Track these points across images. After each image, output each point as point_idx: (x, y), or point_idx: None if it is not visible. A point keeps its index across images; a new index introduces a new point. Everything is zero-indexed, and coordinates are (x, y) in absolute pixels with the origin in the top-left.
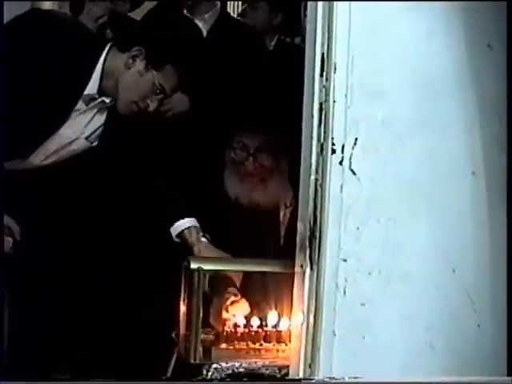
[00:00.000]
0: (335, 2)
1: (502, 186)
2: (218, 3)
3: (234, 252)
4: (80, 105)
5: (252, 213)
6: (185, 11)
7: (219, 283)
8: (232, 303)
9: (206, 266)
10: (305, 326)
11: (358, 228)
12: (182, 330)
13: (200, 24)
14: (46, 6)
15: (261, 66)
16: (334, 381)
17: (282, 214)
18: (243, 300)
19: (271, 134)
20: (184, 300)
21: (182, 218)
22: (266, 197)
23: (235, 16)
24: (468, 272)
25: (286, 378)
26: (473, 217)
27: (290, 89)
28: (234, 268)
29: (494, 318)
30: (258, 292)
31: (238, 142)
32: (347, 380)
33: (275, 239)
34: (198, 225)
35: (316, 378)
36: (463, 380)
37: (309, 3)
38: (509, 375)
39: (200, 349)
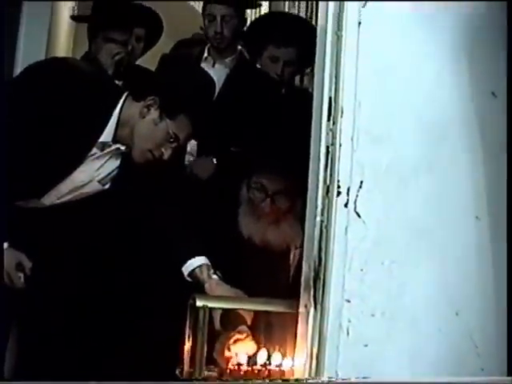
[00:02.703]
0: (343, 47)
1: (506, 229)
2: (239, 49)
3: (244, 290)
4: (94, 150)
5: (264, 252)
6: (205, 55)
7: (229, 321)
8: (235, 341)
9: (212, 304)
10: (308, 365)
11: (362, 269)
12: (186, 366)
13: (221, 67)
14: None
15: (276, 110)
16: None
17: (292, 254)
18: (249, 338)
19: (291, 177)
20: (189, 337)
21: (193, 257)
22: (279, 237)
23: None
24: (472, 315)
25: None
26: (477, 260)
27: (305, 132)
28: (239, 306)
29: (497, 361)
30: (265, 331)
31: (256, 183)
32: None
33: (285, 279)
34: (208, 263)
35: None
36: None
37: (317, 48)
38: (509, 375)
39: None
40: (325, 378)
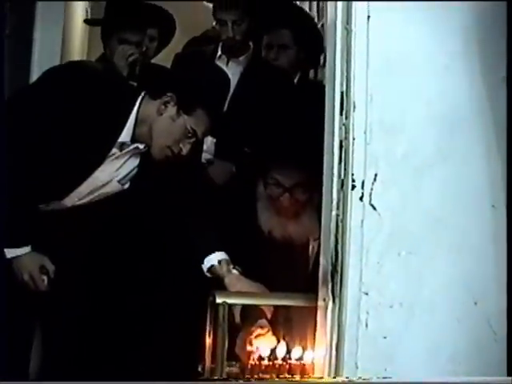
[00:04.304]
0: (353, 42)
1: None
2: (251, 46)
3: (264, 283)
4: (114, 150)
5: (284, 246)
6: (218, 53)
7: (250, 315)
8: (257, 336)
9: (231, 301)
10: (327, 358)
11: (378, 262)
12: (208, 362)
13: (235, 65)
14: (78, 33)
15: (290, 105)
16: (360, 380)
17: (310, 246)
18: (270, 333)
19: (306, 170)
20: (210, 333)
21: (212, 253)
22: (299, 230)
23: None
24: (490, 303)
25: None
26: (493, 249)
27: (320, 125)
28: (259, 302)
29: None
30: (284, 324)
31: (272, 179)
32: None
33: (305, 272)
34: (227, 258)
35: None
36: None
37: (327, 43)
38: (509, 375)
39: None
40: (344, 378)
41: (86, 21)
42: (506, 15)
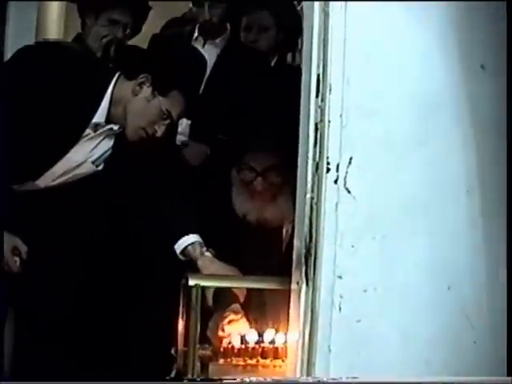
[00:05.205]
0: (330, 24)
1: (498, 202)
2: (228, 28)
3: (238, 267)
4: (88, 131)
5: (258, 229)
6: (195, 35)
7: (223, 299)
8: (230, 322)
9: (204, 283)
10: (301, 342)
11: (353, 246)
12: (181, 346)
13: (211, 47)
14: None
15: (266, 88)
16: (331, 380)
17: (285, 230)
18: (243, 319)
19: (279, 154)
20: (182, 316)
21: (186, 235)
22: (275, 213)
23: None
24: (464, 289)
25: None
26: (468, 234)
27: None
28: (232, 285)
29: (490, 334)
30: (258, 308)
31: (245, 164)
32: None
33: (278, 255)
34: (201, 240)
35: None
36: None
37: (304, 25)
38: (509, 375)
39: (198, 364)
40: (313, 379)
41: None
42: (505, 15)
